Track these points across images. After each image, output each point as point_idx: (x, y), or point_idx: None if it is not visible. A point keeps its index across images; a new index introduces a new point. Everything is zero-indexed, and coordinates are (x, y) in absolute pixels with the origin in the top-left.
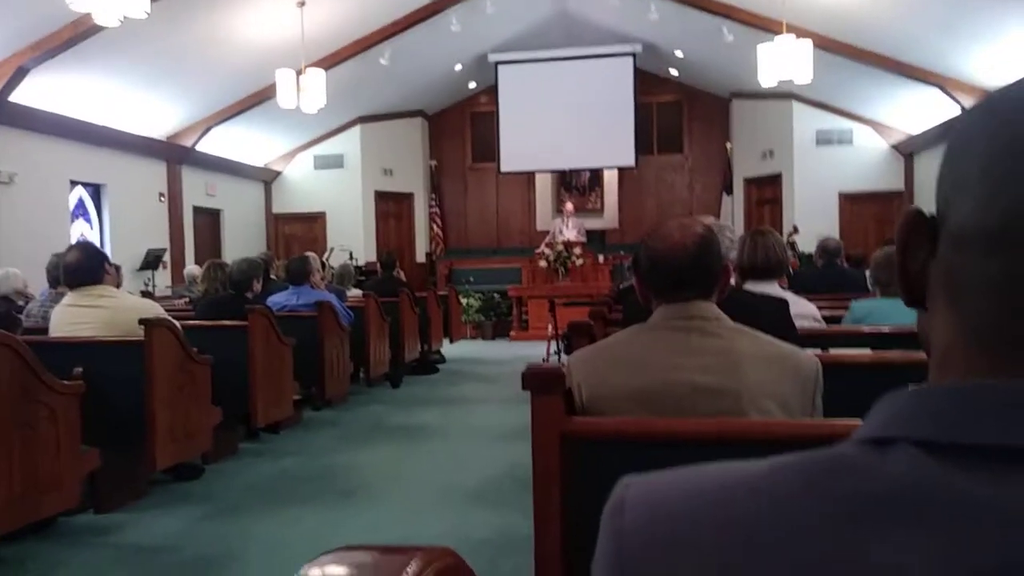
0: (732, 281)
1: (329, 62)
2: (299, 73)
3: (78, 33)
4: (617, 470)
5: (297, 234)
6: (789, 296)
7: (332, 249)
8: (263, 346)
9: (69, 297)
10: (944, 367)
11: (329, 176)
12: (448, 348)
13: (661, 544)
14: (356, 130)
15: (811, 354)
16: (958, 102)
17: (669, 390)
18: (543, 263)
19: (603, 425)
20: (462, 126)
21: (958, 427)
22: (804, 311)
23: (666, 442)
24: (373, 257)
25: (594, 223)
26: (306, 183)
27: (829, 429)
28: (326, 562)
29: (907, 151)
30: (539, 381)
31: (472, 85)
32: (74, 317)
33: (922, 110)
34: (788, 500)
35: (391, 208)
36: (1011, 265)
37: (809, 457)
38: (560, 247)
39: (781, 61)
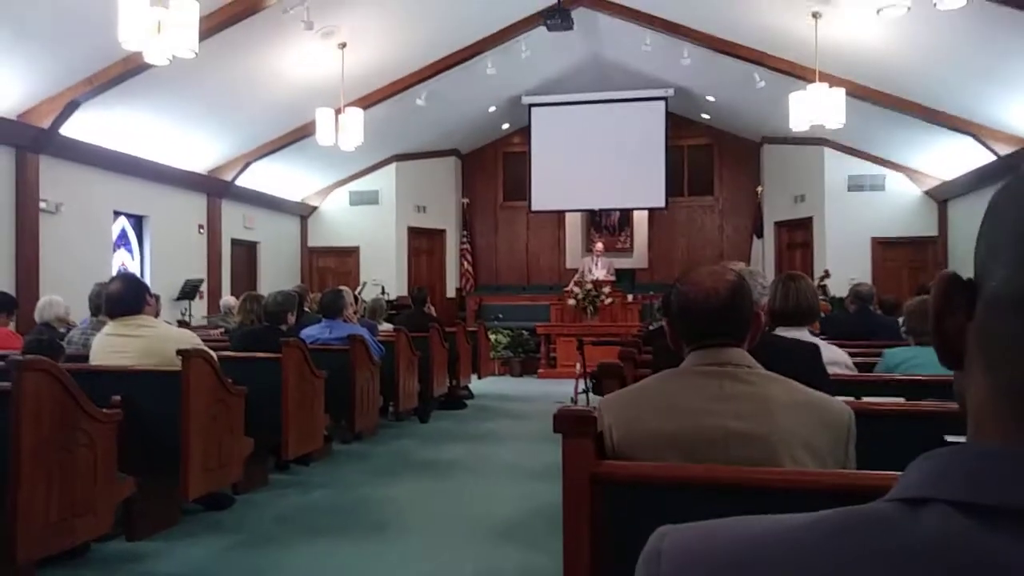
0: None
1: (367, 101)
2: (338, 112)
3: (128, 70)
4: (648, 514)
5: (331, 267)
6: (820, 343)
7: (365, 283)
8: (296, 378)
9: (110, 326)
10: (981, 429)
11: (364, 212)
12: (476, 384)
13: None
14: (391, 168)
15: (844, 403)
16: (992, 150)
17: (702, 435)
18: (572, 301)
19: (634, 469)
20: (495, 165)
21: (993, 490)
22: (835, 358)
23: (698, 488)
24: (404, 291)
25: (623, 262)
26: (341, 218)
27: (863, 480)
28: None
29: (941, 197)
30: (571, 423)
31: (505, 126)
32: (114, 346)
33: (956, 157)
34: (825, 556)
35: (423, 244)
36: None
37: (846, 514)
38: (589, 286)
39: (813, 108)
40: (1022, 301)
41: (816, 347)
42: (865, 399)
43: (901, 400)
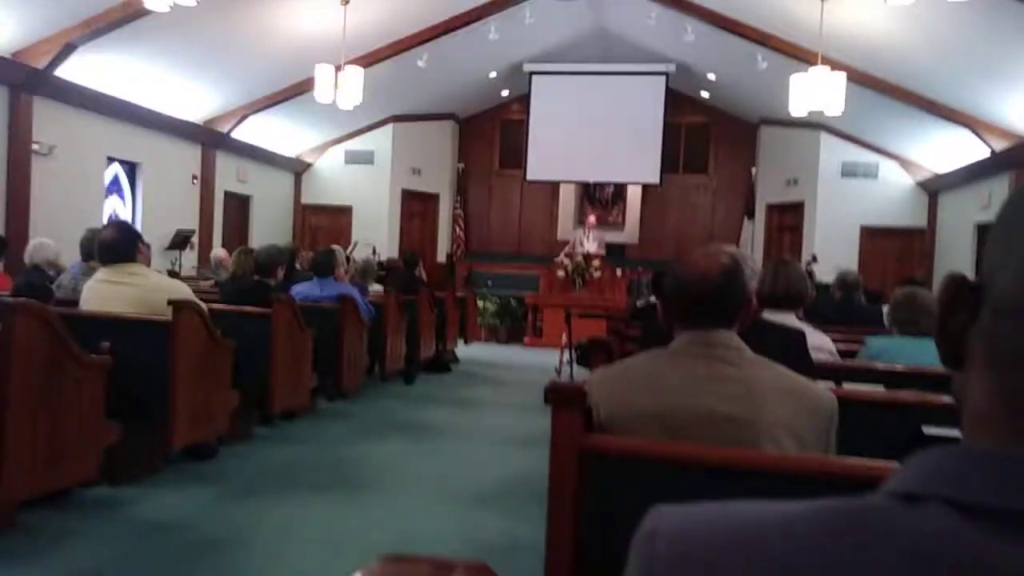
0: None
1: (367, 60)
2: (338, 69)
3: (127, 15)
4: (633, 490)
5: (323, 225)
6: (806, 328)
7: (356, 243)
8: (285, 335)
9: (101, 273)
10: (979, 430)
11: (359, 171)
12: (463, 349)
13: (691, 574)
14: (388, 128)
15: (828, 390)
16: (988, 144)
17: (689, 415)
18: (561, 272)
19: (622, 444)
20: (492, 132)
21: (991, 491)
22: (820, 343)
23: (684, 466)
24: (396, 254)
25: (614, 237)
26: (336, 176)
27: (843, 467)
28: (376, 571)
29: (932, 189)
30: (561, 397)
31: (505, 92)
32: (105, 293)
33: (950, 150)
34: (821, 545)
35: (416, 207)
36: None
37: (843, 504)
38: (579, 258)
39: (813, 92)
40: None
41: (802, 333)
42: (845, 386)
43: (881, 388)
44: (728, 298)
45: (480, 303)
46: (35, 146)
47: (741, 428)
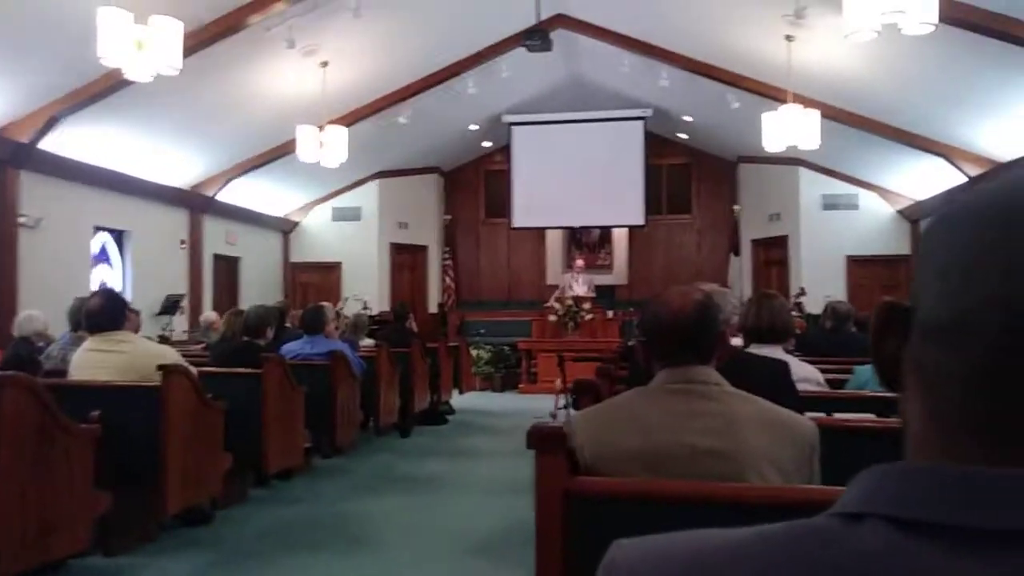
0: (737, 342)
1: (349, 119)
2: (320, 129)
3: (109, 86)
4: (619, 530)
5: (314, 283)
6: (791, 360)
7: (347, 299)
8: (276, 394)
9: (90, 342)
10: (917, 450)
11: (346, 228)
12: (458, 399)
13: None
14: (374, 184)
15: (809, 419)
16: (963, 172)
17: (671, 452)
18: (553, 317)
19: (605, 485)
20: (476, 182)
21: (927, 507)
22: (807, 375)
23: (667, 503)
24: (387, 307)
25: (603, 279)
26: (324, 234)
27: (825, 495)
28: None
29: (913, 217)
30: (543, 440)
31: (487, 144)
32: (94, 361)
33: (927, 178)
34: (767, 570)
35: (406, 260)
36: (965, 359)
37: (789, 528)
38: (570, 302)
39: (787, 128)
40: (943, 331)
41: (786, 364)
42: (836, 415)
43: (871, 416)
44: (703, 334)
45: (473, 352)
46: (21, 219)
47: (723, 462)
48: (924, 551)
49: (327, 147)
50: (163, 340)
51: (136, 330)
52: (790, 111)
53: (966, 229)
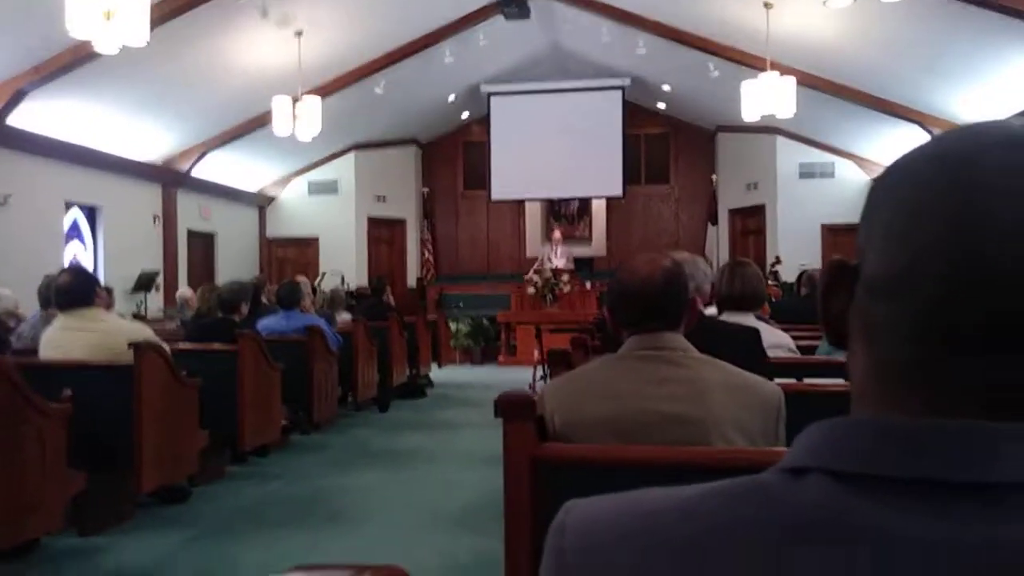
0: (711, 311)
1: (325, 90)
2: (295, 100)
3: (77, 59)
4: (587, 496)
5: (290, 258)
6: (762, 326)
7: (324, 274)
8: (252, 370)
9: (60, 320)
10: (860, 403)
11: (323, 202)
12: (436, 373)
13: (596, 564)
14: (350, 157)
15: (775, 384)
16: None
17: (639, 418)
18: (531, 289)
19: (573, 451)
20: (455, 154)
21: (862, 459)
22: (778, 341)
23: (635, 468)
24: (365, 281)
25: (582, 251)
26: (300, 208)
27: None
28: None
29: None
30: (511, 408)
31: (465, 115)
32: (64, 340)
33: (902, 145)
34: (715, 526)
35: (383, 234)
36: (906, 310)
37: (734, 484)
38: (548, 274)
39: (765, 97)
40: (885, 286)
41: (756, 331)
42: (807, 380)
43: (841, 381)
44: (671, 300)
45: (452, 325)
46: None
47: (690, 427)
48: (864, 505)
49: (302, 119)
50: (137, 318)
51: (108, 308)
52: (768, 79)
53: (908, 184)
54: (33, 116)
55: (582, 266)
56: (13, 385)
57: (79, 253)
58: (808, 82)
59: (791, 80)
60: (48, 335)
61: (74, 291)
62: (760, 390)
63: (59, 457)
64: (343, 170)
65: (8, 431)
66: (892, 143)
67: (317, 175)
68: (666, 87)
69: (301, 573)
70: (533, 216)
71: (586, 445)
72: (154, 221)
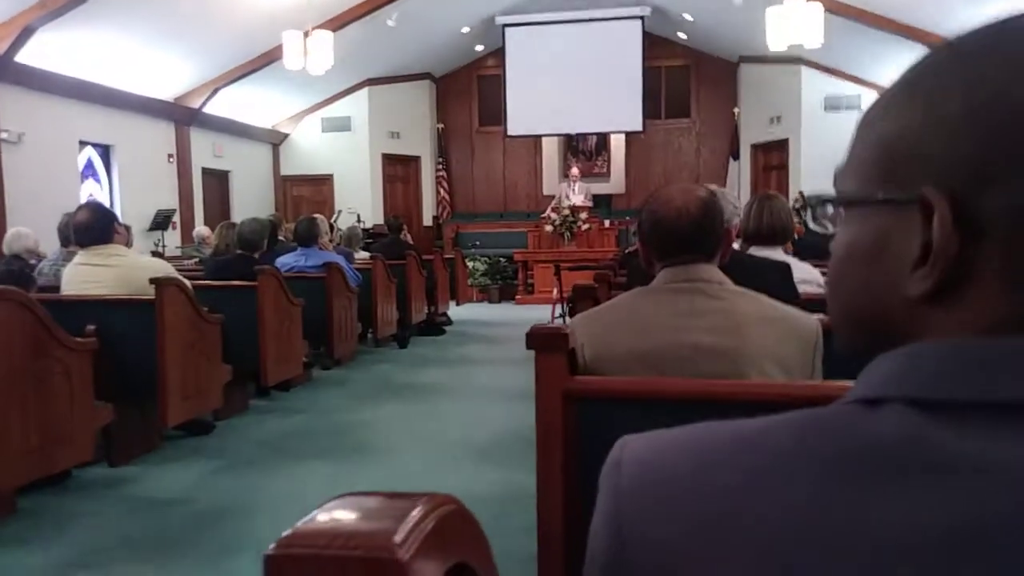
0: (736, 246)
1: (336, 24)
2: (306, 34)
3: None
4: (619, 428)
5: (305, 196)
6: (792, 261)
7: (340, 211)
8: (273, 306)
9: (80, 256)
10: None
11: (337, 139)
12: (454, 311)
13: (656, 500)
14: (364, 92)
15: (812, 317)
16: None
17: (672, 351)
18: (549, 227)
19: (606, 384)
20: (469, 89)
21: (945, 385)
22: (807, 276)
23: (668, 401)
24: (380, 220)
25: (600, 187)
26: (314, 145)
27: (829, 391)
28: (335, 507)
29: None
30: (543, 340)
31: (479, 48)
32: (86, 275)
33: None
34: (781, 458)
35: (398, 171)
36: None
37: (802, 416)
38: (566, 211)
39: (790, 25)
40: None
41: (787, 265)
42: None
43: None
44: (708, 231)
45: (469, 263)
46: (3, 135)
47: (726, 359)
48: (947, 432)
49: (313, 53)
50: (156, 256)
51: (127, 244)
52: (794, 5)
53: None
54: (43, 53)
55: (600, 203)
56: (38, 321)
57: (95, 192)
58: (835, 8)
59: (818, 6)
60: (69, 271)
61: (93, 228)
62: (797, 323)
63: (86, 391)
64: (356, 107)
65: (35, 366)
66: None
67: (330, 112)
68: (687, 16)
69: (352, 498)
70: (550, 152)
71: (619, 378)
72: (168, 159)
